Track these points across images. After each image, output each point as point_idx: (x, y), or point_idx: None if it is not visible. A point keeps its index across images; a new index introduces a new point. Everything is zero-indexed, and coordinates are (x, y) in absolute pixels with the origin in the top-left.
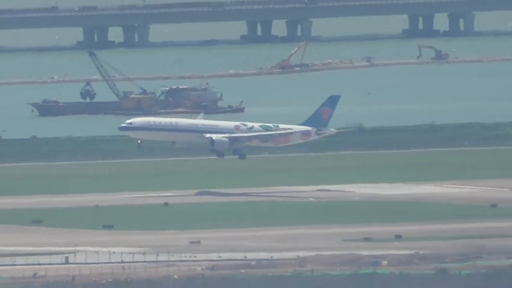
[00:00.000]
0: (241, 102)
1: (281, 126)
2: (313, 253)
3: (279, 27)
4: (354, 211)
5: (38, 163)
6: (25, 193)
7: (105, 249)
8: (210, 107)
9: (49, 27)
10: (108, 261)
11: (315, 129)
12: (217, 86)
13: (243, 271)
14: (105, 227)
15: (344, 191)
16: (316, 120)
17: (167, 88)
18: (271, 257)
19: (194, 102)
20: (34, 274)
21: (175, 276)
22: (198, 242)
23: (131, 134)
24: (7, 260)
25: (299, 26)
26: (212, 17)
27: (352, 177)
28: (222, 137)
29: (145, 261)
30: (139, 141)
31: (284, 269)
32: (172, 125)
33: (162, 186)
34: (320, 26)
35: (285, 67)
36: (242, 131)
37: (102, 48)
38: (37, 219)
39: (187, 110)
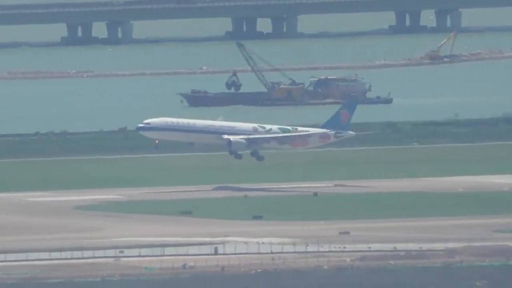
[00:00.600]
0: (389, 93)
1: (299, 129)
2: (463, 244)
3: (428, 18)
4: (504, 202)
5: (181, 154)
6: (174, 184)
7: (254, 240)
8: (358, 98)
9: (199, 18)
10: (257, 251)
11: (333, 132)
12: (366, 77)
13: (392, 262)
14: (255, 217)
15: (494, 182)
16: (335, 123)
17: (316, 79)
18: (420, 248)
19: (343, 93)
20: (184, 265)
21: (324, 267)
22: (347, 232)
23: (148, 134)
24: (157, 250)
25: (448, 16)
26: (359, 8)
27: (496, 168)
28: (239, 138)
29: (294, 252)
30: (156, 141)
31: (433, 260)
32: (190, 126)
33: (311, 177)
34: (469, 16)
35: (434, 58)
36: (259, 133)
37: (250, 39)
38: (186, 210)
39: (336, 100)
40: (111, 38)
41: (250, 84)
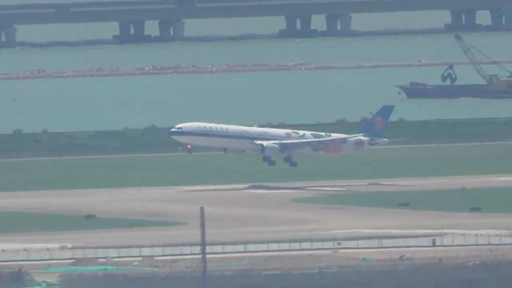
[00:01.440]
0: None
1: (333, 135)
2: None
3: None
4: None
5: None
6: (393, 176)
7: (472, 232)
8: None
9: (419, 10)
10: (475, 243)
11: (368, 139)
12: None
13: None
14: (472, 209)
15: None
16: (370, 129)
17: None
18: None
19: None
20: (401, 257)
21: None
22: None
23: (180, 139)
24: (374, 242)
25: None
26: None
27: None
28: (272, 143)
29: None
30: (188, 146)
31: None
32: (223, 131)
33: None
34: None
35: None
36: (293, 138)
37: (469, 31)
38: (404, 202)
39: None
40: (336, 30)
41: (465, 77)
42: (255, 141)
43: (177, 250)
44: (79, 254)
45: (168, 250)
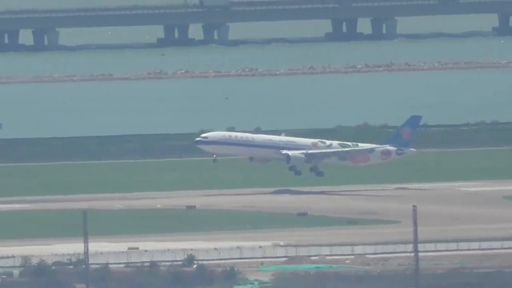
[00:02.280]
0: None
1: (360, 145)
2: None
3: None
4: None
5: None
6: None
7: None
8: None
9: None
10: None
11: (395, 149)
12: None
13: None
14: None
15: None
16: (397, 139)
17: None
18: None
19: None
20: None
21: None
22: None
23: (206, 148)
24: None
25: None
26: None
27: None
28: (298, 153)
29: None
30: (214, 156)
31: None
32: (249, 140)
33: None
34: None
35: None
36: (319, 148)
37: None
38: None
39: None
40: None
41: None
42: (281, 151)
43: (389, 248)
44: (291, 252)
45: (380, 248)
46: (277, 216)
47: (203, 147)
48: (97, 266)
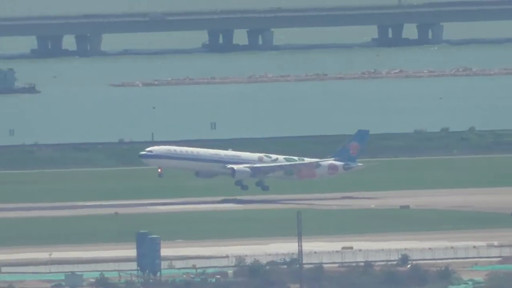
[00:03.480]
0: None
1: (306, 159)
2: None
3: None
4: None
5: None
6: None
7: None
8: None
9: None
10: None
11: (342, 163)
12: None
13: None
14: None
15: None
16: (344, 154)
17: None
18: None
19: None
20: None
21: None
22: None
23: (151, 162)
24: None
25: None
26: None
27: None
28: (244, 167)
29: None
30: (159, 170)
31: None
32: (194, 154)
33: None
34: None
35: None
36: (265, 162)
37: None
38: None
39: None
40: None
41: None
42: (226, 165)
43: None
44: (505, 252)
45: None
46: (492, 216)
47: (147, 161)
48: (311, 265)
